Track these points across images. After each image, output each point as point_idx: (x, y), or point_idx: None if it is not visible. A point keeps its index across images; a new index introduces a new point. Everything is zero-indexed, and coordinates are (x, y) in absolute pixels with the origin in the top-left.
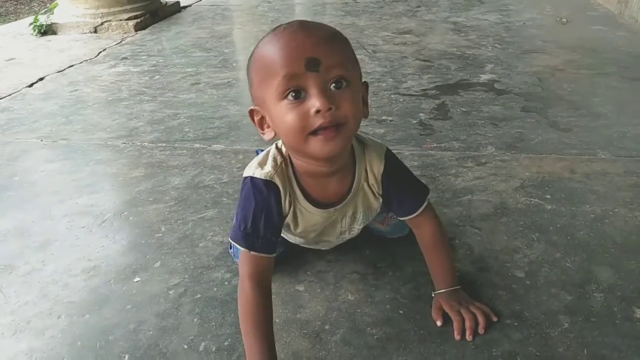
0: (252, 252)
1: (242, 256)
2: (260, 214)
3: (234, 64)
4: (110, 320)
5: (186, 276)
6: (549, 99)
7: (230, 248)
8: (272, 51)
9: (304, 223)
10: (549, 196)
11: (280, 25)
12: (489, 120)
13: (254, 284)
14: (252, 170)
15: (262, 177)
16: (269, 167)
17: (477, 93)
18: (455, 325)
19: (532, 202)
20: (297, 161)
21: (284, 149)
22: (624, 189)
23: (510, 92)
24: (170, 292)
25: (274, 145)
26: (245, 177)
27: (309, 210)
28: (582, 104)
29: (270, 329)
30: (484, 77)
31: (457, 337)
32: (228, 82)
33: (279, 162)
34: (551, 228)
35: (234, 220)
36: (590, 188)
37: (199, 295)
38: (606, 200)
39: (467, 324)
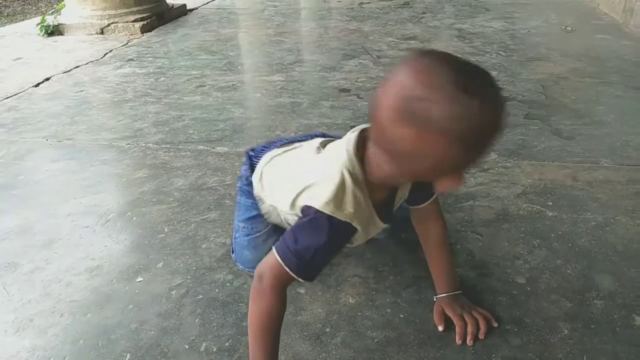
0: (293, 274)
1: (276, 268)
2: (327, 250)
3: (239, 67)
4: (113, 320)
5: (188, 277)
6: (552, 106)
7: (233, 252)
8: (486, 130)
9: (365, 236)
10: (550, 203)
11: (491, 92)
12: None
13: (277, 295)
14: (328, 207)
15: (342, 219)
16: (349, 207)
17: None
18: (458, 330)
19: (534, 208)
20: (374, 180)
21: (359, 175)
22: (626, 197)
23: (514, 99)
24: (173, 293)
25: (343, 174)
26: (318, 212)
27: (377, 226)
28: (586, 112)
29: (278, 338)
30: None
31: (458, 341)
32: (233, 85)
33: (361, 200)
34: (552, 235)
35: (289, 238)
36: (592, 196)
37: (200, 296)
38: (608, 208)
39: (469, 329)
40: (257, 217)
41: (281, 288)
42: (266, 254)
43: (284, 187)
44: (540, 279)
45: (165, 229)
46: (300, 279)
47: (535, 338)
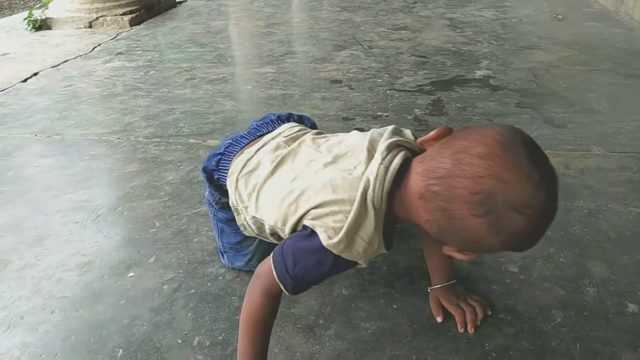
0: (286, 292)
1: (270, 279)
2: (324, 277)
3: (229, 60)
4: (104, 315)
5: (180, 271)
6: (544, 95)
7: (223, 257)
8: (533, 239)
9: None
10: None
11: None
12: (483, 116)
13: (268, 300)
14: (338, 247)
15: (350, 259)
16: (361, 248)
17: (472, 89)
18: (458, 319)
19: None
20: (393, 214)
21: (383, 211)
22: (617, 184)
23: (506, 88)
24: (165, 287)
25: (367, 209)
26: (325, 249)
27: (381, 252)
28: (577, 100)
29: (269, 336)
30: (479, 73)
31: (460, 330)
32: (223, 77)
33: (375, 239)
34: None
35: (288, 258)
36: (585, 183)
37: (193, 290)
38: (600, 195)
39: (468, 317)
40: (246, 239)
41: (273, 296)
42: (259, 260)
43: (277, 202)
44: (533, 267)
45: (157, 224)
46: (289, 294)
47: (529, 326)
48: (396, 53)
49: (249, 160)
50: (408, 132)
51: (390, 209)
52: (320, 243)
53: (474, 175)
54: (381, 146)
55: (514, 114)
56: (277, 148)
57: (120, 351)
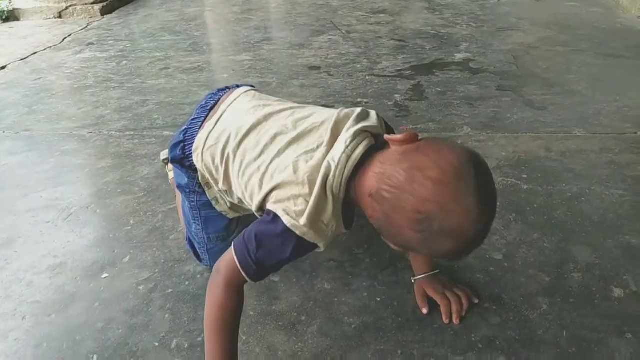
0: (248, 278)
1: (232, 268)
2: (287, 261)
3: (204, 48)
4: (78, 320)
5: (156, 270)
6: (524, 77)
7: (202, 261)
8: (465, 251)
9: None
10: (525, 176)
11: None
12: (464, 100)
13: (232, 293)
14: (300, 229)
15: (312, 241)
16: (321, 232)
17: (452, 72)
18: (443, 309)
19: (509, 182)
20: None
21: (341, 197)
22: (599, 166)
23: (486, 71)
24: (140, 288)
25: (327, 195)
26: (288, 229)
27: (341, 232)
28: (557, 82)
29: (236, 335)
30: (459, 56)
31: (445, 320)
32: (198, 66)
33: (334, 224)
34: (528, 208)
35: (250, 242)
36: (567, 166)
37: (170, 290)
38: (582, 178)
39: (454, 307)
40: (231, 222)
41: (236, 287)
42: None
43: (244, 177)
44: (517, 254)
45: (131, 221)
46: (252, 281)
47: (515, 315)
48: (375, 37)
49: (211, 131)
50: (374, 116)
51: (348, 194)
52: (283, 226)
53: (421, 197)
54: (346, 133)
55: (494, 97)
56: (242, 113)
57: (95, 357)
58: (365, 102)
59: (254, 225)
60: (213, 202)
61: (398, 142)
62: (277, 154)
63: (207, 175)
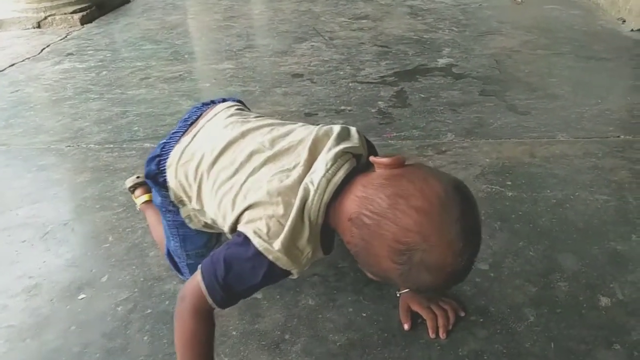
0: (215, 305)
1: (198, 295)
2: (258, 288)
3: (186, 56)
4: (53, 344)
5: (135, 290)
6: (506, 81)
7: (183, 274)
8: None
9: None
10: (509, 182)
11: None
12: (447, 105)
13: (199, 321)
14: (273, 255)
15: (285, 268)
16: (296, 260)
17: (435, 78)
18: (429, 323)
19: (493, 189)
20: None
21: (319, 223)
22: (583, 171)
23: (468, 75)
24: (119, 309)
25: (304, 221)
26: (260, 254)
27: (319, 257)
28: (540, 86)
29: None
30: (441, 62)
31: (431, 335)
32: (180, 75)
33: (309, 252)
34: (513, 216)
35: (219, 266)
36: (551, 172)
37: (149, 311)
38: (566, 184)
39: (440, 321)
40: (210, 239)
41: (204, 313)
42: None
43: (217, 197)
44: (503, 263)
45: (110, 238)
46: (219, 308)
47: (502, 328)
48: (358, 43)
49: (186, 147)
50: (355, 135)
51: (326, 218)
52: (255, 250)
53: (404, 227)
54: (327, 155)
55: (477, 102)
56: (219, 130)
57: None
58: (349, 110)
59: (223, 247)
60: (187, 221)
61: (384, 165)
62: (252, 173)
63: (181, 193)
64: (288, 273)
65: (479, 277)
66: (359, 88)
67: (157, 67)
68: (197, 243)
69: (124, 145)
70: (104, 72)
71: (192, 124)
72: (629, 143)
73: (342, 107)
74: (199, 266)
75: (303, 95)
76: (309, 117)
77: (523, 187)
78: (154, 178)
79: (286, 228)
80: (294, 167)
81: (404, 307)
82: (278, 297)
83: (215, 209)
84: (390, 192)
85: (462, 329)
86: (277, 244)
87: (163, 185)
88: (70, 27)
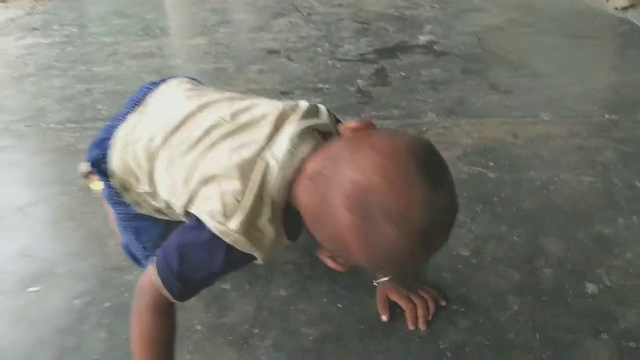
0: (174, 299)
1: (155, 289)
2: (218, 276)
3: (157, 32)
4: (2, 343)
5: (94, 281)
6: (489, 60)
7: (142, 264)
8: (407, 262)
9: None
10: (492, 164)
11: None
12: (429, 84)
13: (159, 318)
14: (231, 237)
15: (246, 251)
16: (257, 242)
17: (416, 56)
18: (409, 314)
19: (476, 171)
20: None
21: (282, 203)
22: (568, 152)
23: (450, 53)
24: (76, 302)
25: (264, 201)
26: (217, 238)
27: (283, 244)
28: (523, 64)
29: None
30: (423, 39)
31: (411, 327)
32: (150, 51)
33: (272, 233)
34: (496, 199)
35: (173, 256)
36: (535, 153)
37: (108, 304)
38: (551, 165)
39: (420, 311)
40: (167, 230)
41: (164, 309)
42: None
43: (171, 177)
44: (485, 249)
45: (69, 225)
46: (179, 302)
47: (485, 318)
48: (337, 20)
49: (135, 126)
50: (324, 112)
51: (290, 199)
52: (210, 234)
53: (363, 167)
54: (292, 130)
55: (459, 80)
56: (173, 104)
57: None
58: (327, 89)
59: (176, 234)
60: (134, 207)
61: (354, 129)
62: (210, 148)
63: (127, 177)
64: (252, 257)
65: (460, 264)
66: (338, 66)
67: (126, 42)
68: (153, 234)
69: (87, 125)
70: (70, 48)
71: (139, 102)
72: (614, 123)
73: (320, 86)
74: (153, 258)
75: (279, 73)
76: (285, 96)
77: (506, 169)
78: (99, 165)
79: (245, 206)
80: (256, 141)
81: (382, 297)
82: (248, 287)
83: (169, 189)
84: (354, 144)
85: (443, 320)
86: (234, 224)
87: (107, 175)
88: (37, 1)
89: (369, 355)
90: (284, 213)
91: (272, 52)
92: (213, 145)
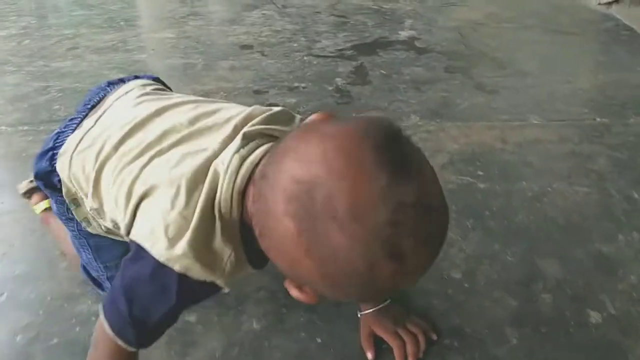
0: (131, 347)
1: (105, 335)
2: (178, 311)
3: (121, 24)
4: None
5: (41, 312)
6: (472, 56)
7: (103, 288)
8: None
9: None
10: (481, 172)
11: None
12: (411, 83)
13: None
14: (179, 263)
15: (202, 279)
16: (210, 265)
17: (397, 52)
18: (397, 352)
19: (464, 181)
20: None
21: (235, 216)
22: (559, 159)
23: (432, 50)
24: (17, 339)
25: (214, 215)
26: (162, 266)
27: (248, 271)
28: (507, 62)
29: None
30: (403, 34)
31: None
32: (113, 45)
33: (227, 259)
34: (487, 212)
35: (120, 299)
36: (524, 160)
37: (56, 340)
38: (542, 174)
39: (410, 349)
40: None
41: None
42: None
43: (115, 188)
44: (478, 270)
45: (15, 244)
46: (139, 349)
47: (480, 354)
48: (313, 12)
49: (87, 132)
50: (297, 123)
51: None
52: (154, 262)
53: (306, 160)
54: (247, 130)
55: (442, 79)
56: (130, 108)
57: None
58: (303, 87)
59: (120, 270)
60: (84, 224)
61: (306, 123)
62: (158, 154)
63: (75, 189)
64: (214, 285)
65: (451, 288)
66: (315, 62)
67: (87, 35)
68: (114, 253)
69: (41, 127)
70: (27, 41)
71: (95, 106)
72: (605, 127)
73: (296, 84)
74: (101, 307)
75: (252, 70)
76: (258, 95)
77: (496, 178)
78: (46, 178)
79: (192, 224)
80: (211, 146)
81: (366, 331)
82: (216, 319)
83: (113, 204)
84: (302, 136)
85: (435, 357)
86: (180, 248)
87: (57, 188)
88: None
89: None
90: (243, 233)
91: (245, 46)
92: (161, 150)
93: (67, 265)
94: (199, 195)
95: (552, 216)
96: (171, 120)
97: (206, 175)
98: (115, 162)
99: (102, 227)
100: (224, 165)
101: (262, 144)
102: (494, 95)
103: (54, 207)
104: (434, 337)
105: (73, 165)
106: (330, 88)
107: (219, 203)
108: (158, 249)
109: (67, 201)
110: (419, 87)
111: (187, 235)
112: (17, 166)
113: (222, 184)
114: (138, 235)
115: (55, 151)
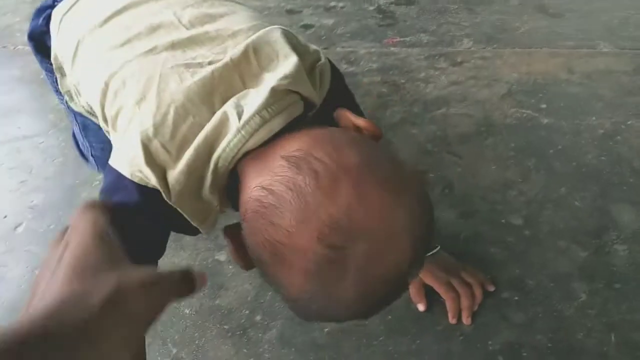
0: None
1: None
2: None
3: None
4: None
5: None
6: None
7: (89, 162)
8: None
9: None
10: (544, 105)
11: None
12: (463, 4)
13: None
14: (143, 171)
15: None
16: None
17: None
18: (449, 304)
19: (524, 114)
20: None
21: (231, 162)
22: (635, 92)
23: None
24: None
25: (209, 160)
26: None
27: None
28: None
29: None
30: None
31: (452, 320)
32: None
33: (216, 205)
34: (551, 151)
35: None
36: (594, 92)
37: None
38: (615, 109)
39: (464, 302)
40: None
41: None
42: None
43: (93, 73)
44: (541, 216)
45: (33, 171)
46: None
47: (544, 310)
48: None
49: None
50: (326, 68)
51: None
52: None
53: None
54: (268, 85)
55: (499, 0)
56: None
57: None
58: (341, 7)
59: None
60: (66, 98)
61: (356, 127)
62: (147, 53)
63: (62, 53)
64: (182, 220)
65: (511, 236)
66: None
67: None
68: (100, 137)
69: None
70: None
71: None
72: None
73: (333, 3)
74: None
75: None
76: (291, 16)
77: (562, 113)
78: (39, 39)
79: (179, 166)
80: (210, 63)
81: (416, 281)
82: None
83: (90, 89)
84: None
85: (492, 311)
86: (172, 176)
87: (49, 54)
88: None
89: (398, 356)
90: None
91: None
92: (152, 49)
93: (87, 195)
94: (186, 129)
95: (626, 157)
96: (167, 12)
97: (203, 101)
98: (97, 41)
99: (85, 105)
100: (239, 120)
101: (285, 107)
102: (558, 19)
103: (46, 74)
104: (491, 288)
105: (62, 28)
106: (372, 8)
107: (218, 157)
108: (123, 166)
109: (54, 68)
110: (472, 8)
111: (172, 179)
112: (34, 89)
113: (231, 140)
114: (116, 161)
115: (51, 9)
